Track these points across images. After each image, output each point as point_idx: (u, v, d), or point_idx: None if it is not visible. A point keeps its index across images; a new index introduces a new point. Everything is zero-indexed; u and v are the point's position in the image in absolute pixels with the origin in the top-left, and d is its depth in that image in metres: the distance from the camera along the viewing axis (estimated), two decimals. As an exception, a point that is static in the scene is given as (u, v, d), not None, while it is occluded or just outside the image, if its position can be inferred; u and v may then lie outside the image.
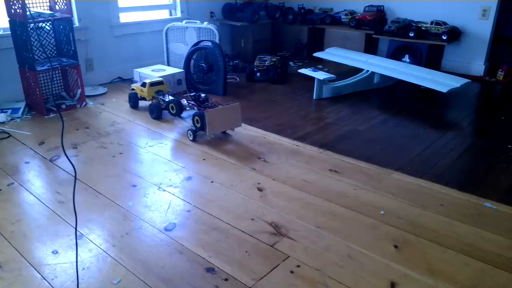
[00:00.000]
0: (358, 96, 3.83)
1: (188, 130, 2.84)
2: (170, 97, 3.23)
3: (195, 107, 2.92)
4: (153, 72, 3.83)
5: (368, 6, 4.92)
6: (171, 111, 3.11)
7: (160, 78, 3.38)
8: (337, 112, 3.42)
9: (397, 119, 3.26)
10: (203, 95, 2.99)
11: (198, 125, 2.78)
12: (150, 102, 3.34)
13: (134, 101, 3.46)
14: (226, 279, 1.60)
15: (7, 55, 3.41)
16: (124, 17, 4.28)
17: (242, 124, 3.15)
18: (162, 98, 3.23)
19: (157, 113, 3.23)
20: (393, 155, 2.64)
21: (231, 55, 4.79)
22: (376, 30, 4.68)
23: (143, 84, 3.31)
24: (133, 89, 3.48)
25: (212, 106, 2.86)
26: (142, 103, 3.53)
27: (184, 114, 3.14)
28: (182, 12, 4.73)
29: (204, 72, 3.89)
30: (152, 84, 3.29)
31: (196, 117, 2.77)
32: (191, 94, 3.02)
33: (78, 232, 1.87)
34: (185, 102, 3.04)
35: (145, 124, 3.17)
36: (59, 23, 3.42)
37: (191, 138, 2.82)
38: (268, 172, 2.42)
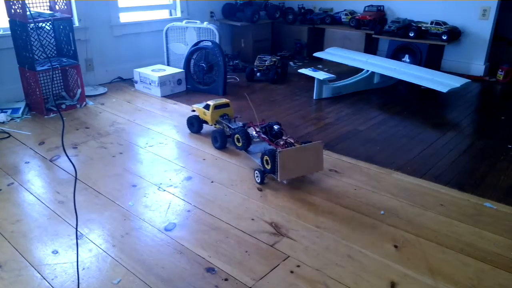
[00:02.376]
0: (358, 96, 3.83)
1: (255, 170, 2.31)
2: (238, 123, 2.78)
3: (266, 141, 2.47)
4: (153, 72, 3.83)
5: (368, 6, 4.92)
6: (237, 143, 2.56)
7: (226, 100, 2.90)
8: (337, 112, 3.42)
9: (397, 119, 3.26)
10: (276, 126, 2.48)
11: (268, 167, 2.23)
12: (213, 128, 2.88)
13: (198, 125, 2.95)
14: (226, 279, 1.60)
15: (7, 55, 3.41)
16: (124, 17, 4.28)
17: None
18: (228, 123, 2.75)
19: (221, 141, 2.70)
20: (393, 155, 2.64)
21: (231, 55, 4.79)
22: (376, 30, 4.68)
23: (206, 106, 2.85)
24: (193, 110, 3.02)
25: (287, 143, 2.30)
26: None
27: (252, 147, 2.58)
28: (182, 12, 4.73)
29: (204, 72, 3.89)
30: (217, 106, 2.83)
31: (266, 157, 2.23)
32: (262, 125, 2.54)
33: (78, 232, 1.87)
34: (254, 132, 2.58)
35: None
36: (59, 23, 3.42)
37: (258, 181, 2.29)
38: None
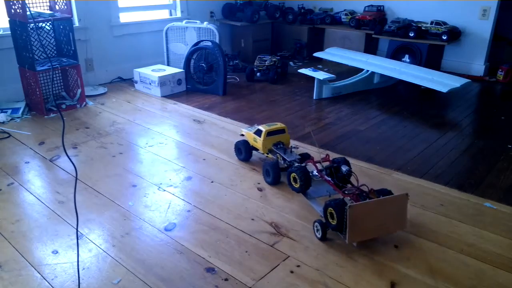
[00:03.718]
0: (358, 96, 3.83)
1: (315, 222, 1.84)
2: (294, 153, 2.33)
3: (330, 185, 2.00)
4: (153, 72, 3.83)
5: (368, 6, 4.92)
6: (293, 183, 2.11)
7: (281, 124, 2.47)
8: (337, 112, 3.42)
9: (397, 119, 3.26)
10: (344, 168, 2.01)
11: (333, 222, 1.74)
12: (265, 158, 2.52)
13: (246, 152, 2.52)
14: (226, 279, 1.60)
15: (7, 55, 3.41)
16: (124, 17, 4.28)
17: (242, 124, 3.14)
18: (283, 154, 2.32)
19: (274, 176, 2.25)
20: (393, 155, 2.64)
21: (231, 55, 4.79)
22: (376, 30, 4.68)
23: (258, 132, 2.44)
24: (242, 135, 2.64)
25: (360, 194, 1.82)
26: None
27: (311, 189, 2.11)
28: (182, 12, 4.73)
29: (204, 72, 3.89)
30: (270, 132, 2.41)
31: (331, 210, 1.75)
32: (326, 162, 2.11)
33: (78, 232, 1.87)
34: (315, 171, 2.08)
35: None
36: (59, 23, 3.42)
37: (318, 236, 1.82)
38: (268, 172, 2.42)
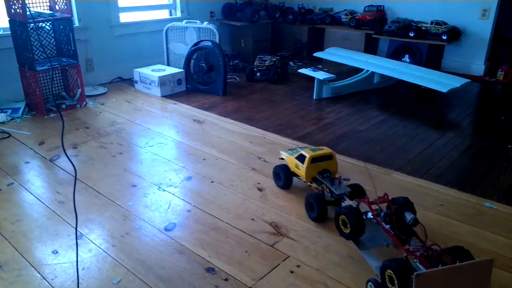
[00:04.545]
0: (358, 96, 3.82)
1: (369, 281, 1.52)
2: (344, 185, 1.97)
3: (390, 236, 1.62)
4: (153, 72, 3.83)
5: (368, 6, 4.92)
6: (342, 227, 1.72)
7: (328, 149, 2.15)
8: (337, 112, 3.42)
9: (397, 119, 3.26)
10: (409, 216, 1.60)
11: None
12: (309, 187, 2.17)
13: (286, 178, 2.21)
14: (226, 279, 1.60)
15: (7, 55, 3.41)
16: (124, 17, 4.28)
17: (242, 124, 3.15)
18: (329, 185, 1.97)
19: (319, 211, 1.92)
20: (393, 155, 2.64)
21: (231, 55, 4.79)
22: (376, 30, 4.68)
23: (301, 157, 2.13)
24: (282, 159, 2.31)
25: (430, 255, 1.44)
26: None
27: (365, 236, 1.70)
28: (182, 12, 4.73)
29: (204, 72, 3.89)
30: (314, 159, 2.09)
31: (390, 273, 1.41)
32: (384, 204, 1.69)
33: (78, 232, 1.87)
34: (370, 213, 1.70)
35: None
36: (59, 23, 3.42)
37: None
38: (268, 172, 2.42)
